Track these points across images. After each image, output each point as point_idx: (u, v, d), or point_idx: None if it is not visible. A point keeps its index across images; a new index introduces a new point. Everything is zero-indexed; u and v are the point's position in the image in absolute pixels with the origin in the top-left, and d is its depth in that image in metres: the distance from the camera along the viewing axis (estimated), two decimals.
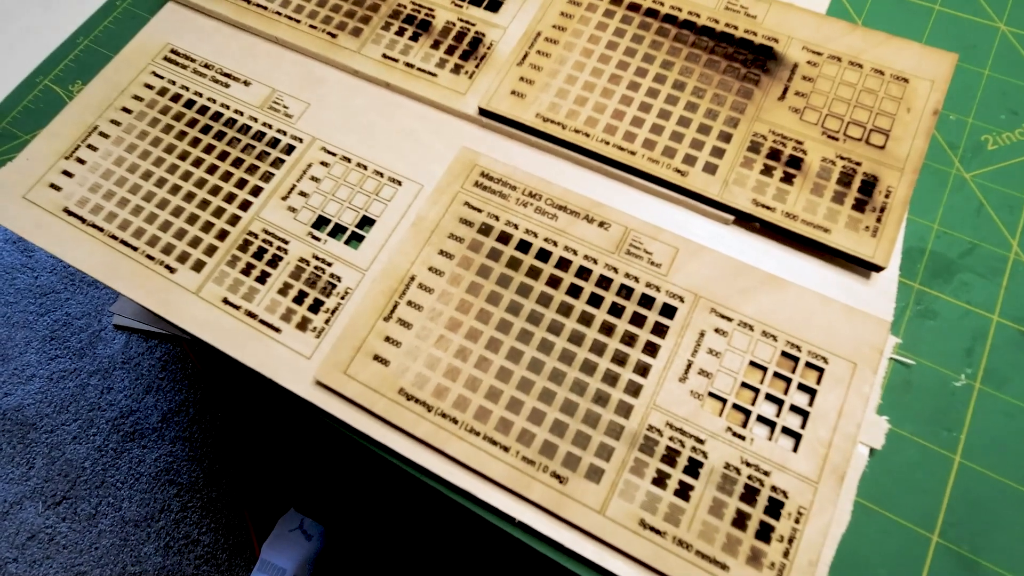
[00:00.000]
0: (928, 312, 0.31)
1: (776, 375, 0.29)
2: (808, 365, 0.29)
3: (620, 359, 0.29)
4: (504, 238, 0.32)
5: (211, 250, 0.33)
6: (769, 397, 0.28)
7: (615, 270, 0.31)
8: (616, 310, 0.30)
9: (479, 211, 0.33)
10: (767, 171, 0.31)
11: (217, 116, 0.37)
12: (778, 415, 0.28)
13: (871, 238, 0.30)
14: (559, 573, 0.27)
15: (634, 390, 0.28)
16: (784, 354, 0.29)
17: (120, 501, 0.84)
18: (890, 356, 0.30)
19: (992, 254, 0.31)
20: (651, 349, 0.29)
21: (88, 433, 0.89)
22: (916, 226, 0.32)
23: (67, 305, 0.97)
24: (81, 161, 0.36)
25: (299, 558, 0.73)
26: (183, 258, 0.33)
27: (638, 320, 0.30)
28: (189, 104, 0.37)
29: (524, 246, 0.32)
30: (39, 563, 0.82)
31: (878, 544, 0.27)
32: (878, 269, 0.30)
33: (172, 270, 0.33)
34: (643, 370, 0.29)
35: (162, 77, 0.38)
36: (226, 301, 0.32)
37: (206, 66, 0.38)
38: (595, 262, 0.31)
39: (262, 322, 0.32)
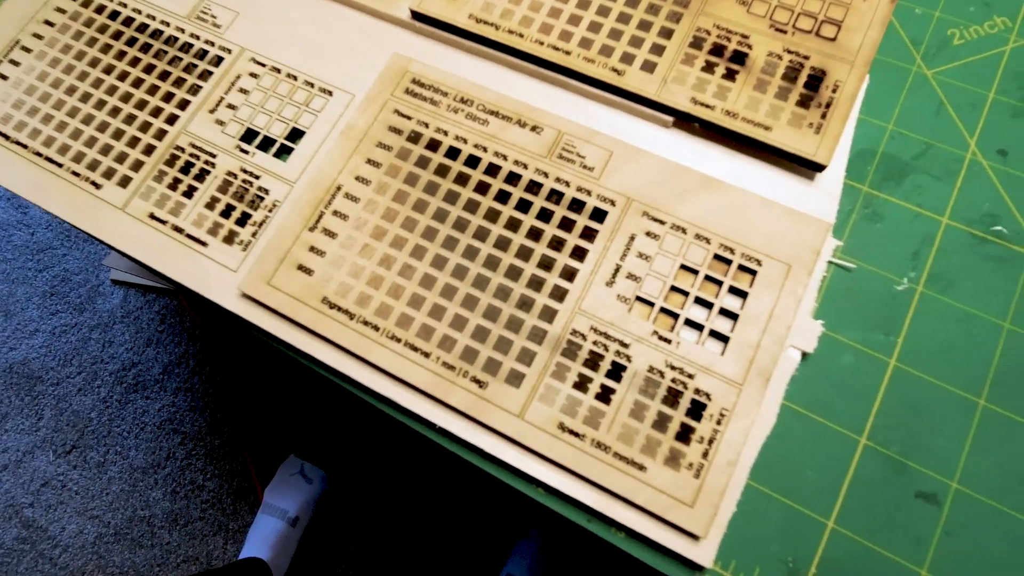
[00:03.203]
0: (875, 216, 0.29)
1: (708, 278, 0.27)
2: (741, 268, 0.27)
3: (546, 264, 0.28)
4: (433, 145, 0.31)
5: (137, 165, 0.33)
6: (699, 301, 0.27)
7: (545, 175, 0.29)
8: (545, 215, 0.29)
9: (409, 119, 0.31)
10: (708, 68, 0.29)
11: (143, 27, 0.35)
12: (707, 318, 0.27)
13: (814, 135, 0.28)
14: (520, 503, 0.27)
15: (559, 295, 0.28)
16: (717, 257, 0.28)
17: (127, 449, 0.87)
18: (830, 260, 0.28)
19: (948, 155, 0.30)
20: (579, 254, 0.28)
21: (93, 385, 0.90)
22: (869, 127, 0.30)
23: (64, 261, 0.97)
24: (3, 77, 0.35)
25: (301, 500, 0.75)
26: (109, 174, 0.33)
27: (567, 225, 0.29)
28: (113, 15, 0.36)
29: (453, 153, 0.30)
30: (54, 508, 0.85)
31: (806, 447, 0.26)
32: (820, 168, 0.28)
33: (98, 186, 0.32)
34: (569, 275, 0.28)
35: None
36: (153, 216, 0.32)
37: None
38: (525, 167, 0.30)
39: (189, 236, 0.31)
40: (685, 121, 0.30)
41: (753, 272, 0.27)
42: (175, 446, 0.87)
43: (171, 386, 0.90)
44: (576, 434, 0.26)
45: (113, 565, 0.81)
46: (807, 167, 0.28)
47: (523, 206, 0.29)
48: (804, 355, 0.27)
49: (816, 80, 0.29)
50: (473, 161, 0.30)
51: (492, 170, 0.30)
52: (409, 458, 0.80)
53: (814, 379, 0.27)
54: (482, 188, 0.30)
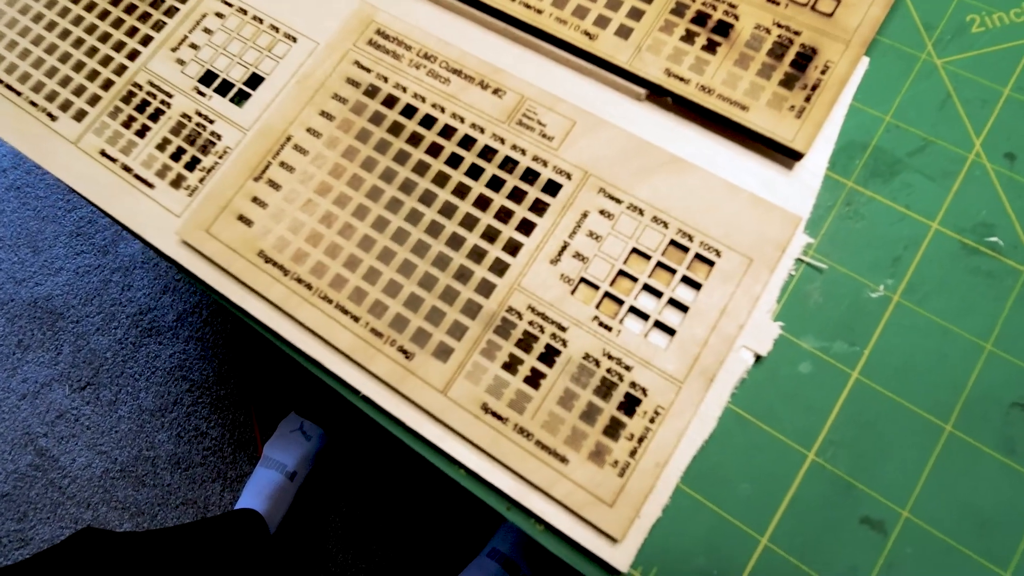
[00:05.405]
0: (856, 214, 0.26)
1: (660, 265, 0.25)
2: (698, 257, 0.25)
3: (490, 235, 0.26)
4: (390, 101, 0.29)
5: (94, 100, 0.32)
6: (648, 288, 0.25)
7: (502, 141, 0.28)
8: (496, 184, 0.27)
9: (368, 71, 0.30)
10: (688, 38, 0.27)
11: None
12: (655, 309, 0.25)
13: (795, 119, 0.25)
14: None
15: (500, 269, 0.26)
16: (673, 243, 0.25)
17: (138, 391, 0.88)
18: (799, 257, 0.26)
19: (948, 154, 0.27)
20: (526, 227, 0.26)
21: (110, 326, 0.92)
22: (863, 117, 0.28)
23: None
24: None
25: (299, 455, 0.76)
26: (65, 106, 0.32)
27: (517, 195, 0.27)
28: None
29: (409, 111, 0.29)
30: (66, 440, 0.87)
31: (748, 456, 0.24)
32: (798, 156, 0.26)
33: (54, 118, 0.32)
34: (513, 249, 0.26)
35: None
36: (103, 153, 0.31)
37: None
38: (482, 131, 0.28)
39: (137, 177, 0.30)
40: (658, 95, 0.27)
41: (711, 263, 0.25)
42: (183, 392, 0.88)
43: (183, 334, 0.91)
44: (499, 416, 0.24)
45: (116, 500, 0.83)
46: (784, 154, 0.26)
47: (474, 172, 0.27)
48: (758, 358, 0.25)
49: (805, 59, 0.26)
50: (428, 121, 0.28)
51: (447, 132, 0.28)
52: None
53: (766, 385, 0.25)
54: (434, 150, 0.28)
